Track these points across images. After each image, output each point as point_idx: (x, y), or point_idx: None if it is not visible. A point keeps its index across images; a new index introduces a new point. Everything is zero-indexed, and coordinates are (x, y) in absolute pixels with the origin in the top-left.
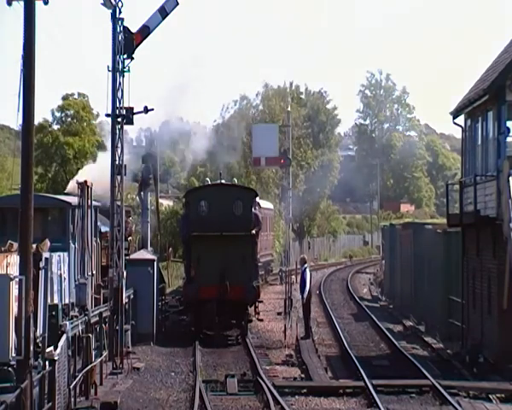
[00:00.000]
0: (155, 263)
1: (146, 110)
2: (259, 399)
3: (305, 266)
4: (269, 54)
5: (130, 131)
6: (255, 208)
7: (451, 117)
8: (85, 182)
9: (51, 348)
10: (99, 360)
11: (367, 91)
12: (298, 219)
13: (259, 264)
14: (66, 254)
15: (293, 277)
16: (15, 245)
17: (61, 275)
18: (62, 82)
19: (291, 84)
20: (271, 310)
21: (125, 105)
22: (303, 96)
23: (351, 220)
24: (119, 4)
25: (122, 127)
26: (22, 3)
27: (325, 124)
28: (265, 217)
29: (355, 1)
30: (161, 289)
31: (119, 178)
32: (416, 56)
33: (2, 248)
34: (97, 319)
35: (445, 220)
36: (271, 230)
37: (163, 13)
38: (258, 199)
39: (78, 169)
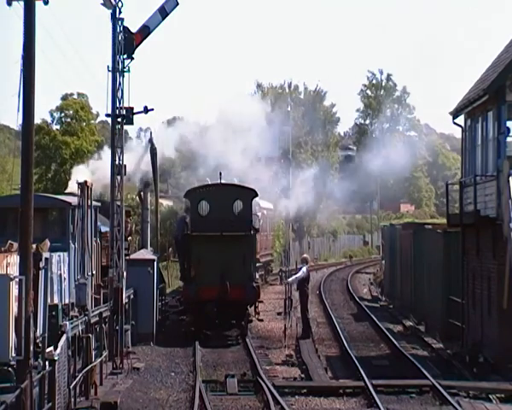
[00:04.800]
0: (155, 263)
1: (146, 110)
2: (259, 399)
3: (304, 264)
4: (268, 54)
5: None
6: (255, 210)
7: (451, 117)
8: (85, 182)
9: (51, 348)
10: (99, 360)
11: (368, 91)
12: (298, 219)
13: (259, 264)
14: (66, 254)
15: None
16: (15, 245)
17: (60, 275)
18: (62, 82)
19: (289, 84)
20: (271, 310)
21: (125, 105)
22: (301, 96)
23: (351, 220)
24: (119, 4)
25: (122, 127)
26: (22, 3)
27: (324, 122)
28: (265, 217)
29: (355, 1)
30: (161, 289)
31: (118, 178)
32: (416, 56)
33: (2, 249)
34: (97, 319)
35: (444, 220)
36: (271, 230)
37: (163, 13)
38: (258, 199)
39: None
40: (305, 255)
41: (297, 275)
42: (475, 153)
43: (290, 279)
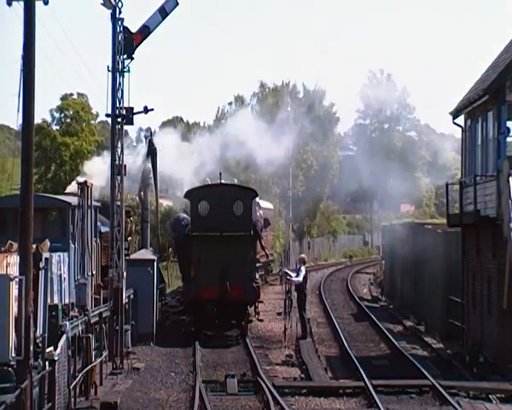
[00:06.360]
0: (155, 263)
1: (146, 110)
2: (259, 399)
3: (302, 265)
4: (267, 53)
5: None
6: (256, 213)
7: (451, 117)
8: (85, 182)
9: (51, 348)
10: (99, 360)
11: (368, 91)
12: (298, 218)
13: (259, 264)
14: (66, 254)
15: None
16: (15, 245)
17: (60, 275)
18: (62, 82)
19: (288, 83)
20: (271, 310)
21: (125, 105)
22: (300, 96)
23: (351, 220)
24: (119, 4)
25: (122, 127)
26: (22, 3)
27: (323, 121)
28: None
29: (356, 0)
30: (161, 290)
31: (119, 178)
32: (416, 56)
33: (2, 249)
34: (97, 319)
35: (444, 220)
36: (271, 230)
37: (163, 13)
38: (258, 199)
39: (73, 170)
40: (302, 255)
41: (299, 278)
42: (475, 153)
43: (295, 279)
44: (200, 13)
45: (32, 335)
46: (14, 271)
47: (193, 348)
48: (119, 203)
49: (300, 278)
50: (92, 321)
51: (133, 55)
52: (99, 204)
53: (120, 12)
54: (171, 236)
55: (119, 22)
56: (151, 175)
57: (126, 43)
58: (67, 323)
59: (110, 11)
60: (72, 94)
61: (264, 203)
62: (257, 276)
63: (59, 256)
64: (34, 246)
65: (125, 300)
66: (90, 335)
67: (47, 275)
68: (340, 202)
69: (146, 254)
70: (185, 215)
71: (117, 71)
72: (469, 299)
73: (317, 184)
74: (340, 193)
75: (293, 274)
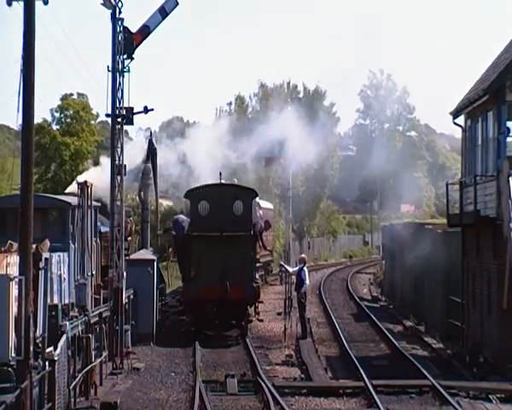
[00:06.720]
0: (155, 263)
1: (146, 110)
2: (259, 399)
3: (302, 265)
4: (267, 53)
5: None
6: (257, 214)
7: (451, 117)
8: (85, 182)
9: (51, 348)
10: (99, 360)
11: (368, 91)
12: (298, 218)
13: (259, 264)
14: (65, 254)
15: (293, 277)
16: (15, 245)
17: (60, 275)
18: (62, 82)
19: (288, 83)
20: (271, 310)
21: (125, 105)
22: (301, 96)
23: (351, 220)
24: (119, 4)
25: (122, 127)
26: (22, 3)
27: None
28: (265, 217)
29: (355, 0)
30: (161, 290)
31: (118, 178)
32: (416, 56)
33: (2, 249)
34: (97, 319)
35: (444, 220)
36: (271, 230)
37: (163, 13)
38: (258, 199)
39: (73, 170)
40: (302, 255)
41: (306, 282)
42: (475, 153)
43: (303, 289)
44: (200, 13)
45: (31, 335)
46: (14, 271)
47: (193, 348)
48: (118, 203)
49: (307, 281)
50: (92, 321)
51: (133, 55)
52: (99, 204)
53: (120, 12)
54: (171, 237)
55: (119, 22)
56: (151, 175)
57: (126, 43)
58: (67, 323)
59: (110, 11)
60: (72, 94)
61: (264, 203)
62: (257, 276)
63: (59, 256)
64: (34, 246)
65: (125, 300)
66: (89, 335)
67: (47, 275)
68: (340, 202)
69: (146, 254)
70: (184, 217)
71: (117, 71)
72: (469, 299)
73: (317, 184)
74: (342, 191)
75: (291, 269)
